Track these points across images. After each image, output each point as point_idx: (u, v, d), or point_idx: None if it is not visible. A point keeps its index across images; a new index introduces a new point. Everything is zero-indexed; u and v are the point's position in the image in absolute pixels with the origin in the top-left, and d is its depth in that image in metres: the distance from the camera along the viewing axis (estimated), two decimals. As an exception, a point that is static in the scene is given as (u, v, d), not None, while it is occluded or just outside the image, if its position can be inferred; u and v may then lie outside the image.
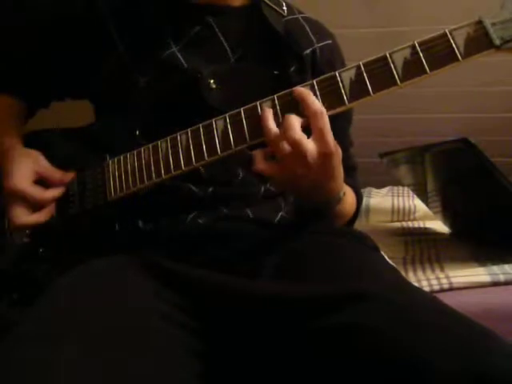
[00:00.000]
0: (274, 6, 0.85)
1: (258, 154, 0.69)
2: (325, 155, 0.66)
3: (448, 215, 1.44)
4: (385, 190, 1.89)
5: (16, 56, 0.92)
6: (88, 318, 0.58)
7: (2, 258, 0.83)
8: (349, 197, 0.87)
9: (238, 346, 0.63)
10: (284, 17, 0.86)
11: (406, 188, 1.79)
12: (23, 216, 0.80)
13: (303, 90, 0.67)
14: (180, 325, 0.63)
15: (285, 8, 0.87)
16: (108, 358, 0.53)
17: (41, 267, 0.80)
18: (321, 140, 0.66)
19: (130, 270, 0.70)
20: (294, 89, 0.68)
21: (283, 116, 0.67)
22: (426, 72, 0.63)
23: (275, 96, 0.69)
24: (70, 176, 0.82)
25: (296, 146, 0.65)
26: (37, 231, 0.82)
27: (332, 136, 0.67)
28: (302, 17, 0.90)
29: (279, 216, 0.85)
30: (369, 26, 1.77)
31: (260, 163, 0.68)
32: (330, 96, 0.67)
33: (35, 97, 0.94)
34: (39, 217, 0.80)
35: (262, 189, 0.84)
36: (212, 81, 0.78)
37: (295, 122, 0.66)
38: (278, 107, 0.69)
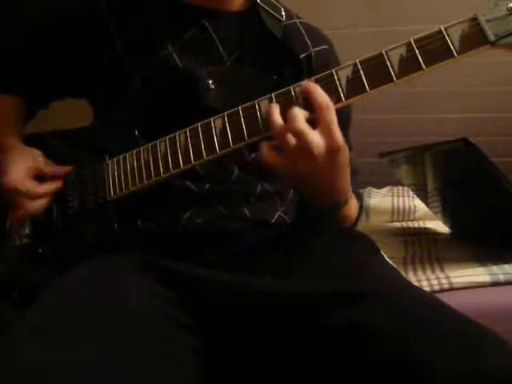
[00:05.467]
0: (272, 12, 0.86)
1: (264, 146, 0.68)
2: (332, 149, 0.65)
3: (448, 215, 1.44)
4: (385, 190, 1.89)
5: (15, 55, 0.93)
6: (88, 318, 0.58)
7: (2, 258, 0.83)
8: (354, 201, 0.87)
9: (238, 345, 0.64)
10: (282, 22, 0.86)
11: (406, 188, 1.79)
12: (18, 209, 0.81)
13: (310, 84, 0.67)
14: (180, 324, 0.64)
15: (283, 13, 0.87)
16: (108, 357, 0.53)
17: (41, 267, 0.80)
18: (328, 133, 0.65)
19: (130, 269, 0.70)
20: (301, 83, 0.68)
21: (282, 113, 0.67)
22: (421, 68, 0.64)
23: (273, 94, 0.69)
24: (67, 169, 0.83)
25: (300, 136, 0.64)
26: (37, 231, 0.82)
27: (339, 131, 0.66)
28: (299, 22, 0.90)
29: (276, 216, 0.85)
30: (368, 26, 1.77)
31: (266, 154, 0.67)
32: (327, 93, 0.67)
33: (34, 96, 0.94)
34: (28, 208, 0.81)
35: (259, 187, 0.84)
36: (210, 81, 0.78)
37: (299, 113, 0.65)
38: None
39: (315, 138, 0.65)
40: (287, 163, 0.67)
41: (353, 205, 0.83)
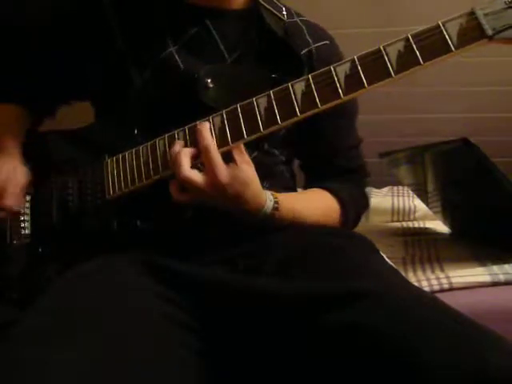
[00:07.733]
0: (273, 11, 0.86)
1: (172, 185, 0.72)
2: (216, 186, 0.69)
3: (448, 215, 1.44)
4: (385, 190, 1.89)
5: (15, 56, 0.92)
6: (88, 318, 0.58)
7: (2, 258, 0.83)
8: (308, 205, 0.84)
9: (238, 345, 0.64)
10: (283, 20, 0.87)
11: (406, 188, 1.79)
12: None
13: (202, 125, 0.71)
14: (181, 324, 0.64)
15: (284, 12, 0.88)
16: (108, 357, 0.53)
17: (40, 267, 0.80)
18: (208, 173, 0.69)
19: (130, 269, 0.70)
20: (196, 124, 0.72)
21: (279, 110, 0.68)
22: (419, 63, 0.64)
23: (271, 91, 0.70)
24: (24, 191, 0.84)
25: (186, 182, 0.69)
26: (37, 231, 0.82)
27: (223, 168, 0.69)
28: (300, 20, 0.90)
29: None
30: (368, 26, 1.77)
31: (175, 193, 0.72)
32: (326, 90, 0.67)
33: (38, 101, 0.93)
34: None
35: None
36: (209, 80, 0.78)
37: (183, 158, 0.70)
38: (273, 102, 0.69)
39: (198, 180, 0.70)
40: (190, 197, 0.72)
41: (287, 208, 0.79)
